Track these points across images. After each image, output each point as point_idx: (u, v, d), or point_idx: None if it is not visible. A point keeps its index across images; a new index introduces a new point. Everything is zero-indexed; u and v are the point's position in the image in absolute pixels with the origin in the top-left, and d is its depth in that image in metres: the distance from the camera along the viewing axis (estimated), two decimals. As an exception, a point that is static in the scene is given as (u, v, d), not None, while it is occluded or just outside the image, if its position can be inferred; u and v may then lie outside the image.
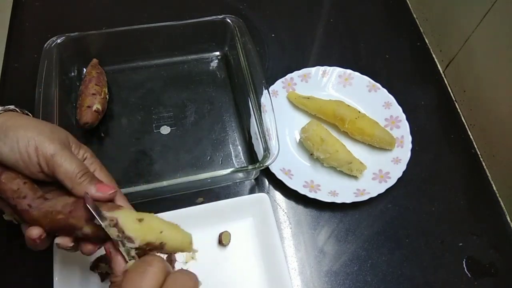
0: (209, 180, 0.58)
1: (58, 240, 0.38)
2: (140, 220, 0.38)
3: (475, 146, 0.67)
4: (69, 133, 0.42)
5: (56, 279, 0.50)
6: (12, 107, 0.42)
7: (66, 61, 0.63)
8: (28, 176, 0.39)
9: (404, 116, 0.65)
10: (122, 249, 0.36)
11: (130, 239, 0.36)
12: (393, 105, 0.66)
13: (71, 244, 0.38)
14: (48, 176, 0.39)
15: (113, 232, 0.36)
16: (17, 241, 0.55)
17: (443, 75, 0.74)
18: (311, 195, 0.58)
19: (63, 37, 0.61)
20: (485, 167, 0.65)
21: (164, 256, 0.53)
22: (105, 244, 0.38)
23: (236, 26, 0.65)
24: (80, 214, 0.37)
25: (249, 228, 0.56)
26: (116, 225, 0.36)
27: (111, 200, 0.39)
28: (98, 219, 0.36)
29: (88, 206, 0.37)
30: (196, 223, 0.55)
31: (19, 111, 0.43)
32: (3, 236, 0.55)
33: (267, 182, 0.62)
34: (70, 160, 0.39)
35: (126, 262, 0.37)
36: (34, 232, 0.38)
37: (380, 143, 0.62)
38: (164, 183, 0.51)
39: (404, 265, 0.56)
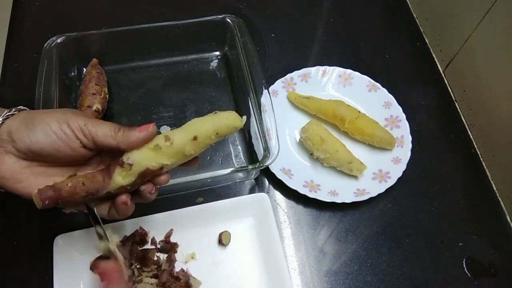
0: (209, 180, 0.58)
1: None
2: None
3: (475, 146, 0.67)
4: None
5: (56, 279, 0.50)
6: (22, 107, 0.42)
7: (66, 61, 0.63)
8: (70, 156, 0.39)
9: (404, 116, 0.65)
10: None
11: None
12: (393, 105, 0.66)
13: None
14: (89, 149, 0.40)
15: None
16: (17, 242, 0.55)
17: (443, 75, 0.74)
18: (311, 195, 0.58)
19: (63, 37, 0.61)
20: (485, 167, 0.65)
21: (164, 256, 0.54)
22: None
23: (236, 26, 0.65)
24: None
25: (249, 228, 0.56)
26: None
27: (154, 135, 0.40)
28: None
29: None
30: (196, 223, 0.55)
31: (28, 110, 0.43)
32: (4, 237, 0.55)
33: (267, 182, 0.62)
34: (101, 123, 0.39)
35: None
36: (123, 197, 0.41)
37: (380, 143, 0.62)
38: (164, 183, 0.51)
39: (404, 265, 0.56)
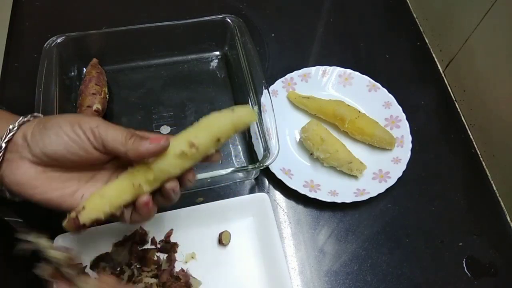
0: (209, 180, 0.58)
1: None
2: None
3: (475, 146, 0.67)
4: None
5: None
6: (36, 113, 0.42)
7: (66, 61, 0.63)
8: (84, 158, 0.38)
9: (404, 115, 0.65)
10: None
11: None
12: (393, 104, 0.66)
13: None
14: (101, 152, 0.39)
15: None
16: (17, 241, 0.55)
17: (443, 75, 0.74)
18: (311, 194, 0.58)
19: (63, 37, 0.61)
20: (485, 167, 0.65)
21: (164, 256, 0.54)
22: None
23: (236, 26, 0.65)
24: None
25: (249, 228, 0.56)
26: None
27: (165, 149, 0.38)
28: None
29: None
30: (196, 223, 0.55)
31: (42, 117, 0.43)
32: (3, 236, 0.55)
33: (267, 182, 0.62)
34: (115, 127, 0.38)
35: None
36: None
37: (380, 143, 0.62)
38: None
39: (404, 264, 0.56)
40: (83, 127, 0.38)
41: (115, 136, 0.38)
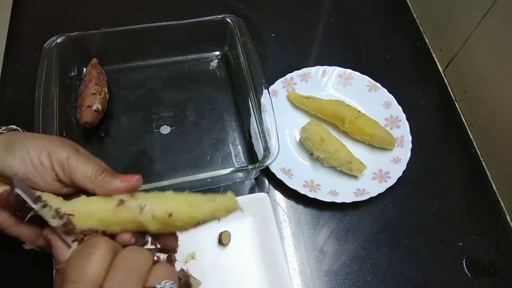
0: (209, 180, 0.58)
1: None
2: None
3: (475, 146, 0.67)
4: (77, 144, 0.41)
5: (56, 279, 0.50)
6: (14, 126, 0.41)
7: (66, 61, 0.63)
8: (41, 188, 0.36)
9: (404, 115, 0.65)
10: (60, 232, 0.34)
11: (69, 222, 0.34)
12: (393, 104, 0.66)
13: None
14: (64, 184, 0.37)
15: (47, 213, 0.34)
16: (17, 241, 0.55)
17: (443, 75, 0.74)
18: (311, 194, 0.58)
19: (63, 37, 0.61)
20: (485, 167, 0.65)
21: (164, 256, 0.53)
22: (44, 231, 0.35)
23: (236, 26, 0.65)
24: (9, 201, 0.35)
25: (249, 228, 0.56)
26: (47, 206, 0.34)
27: (135, 188, 0.37)
28: (29, 202, 0.34)
29: (17, 190, 0.34)
30: (196, 223, 0.55)
31: (21, 130, 0.42)
32: (4, 236, 0.55)
33: (267, 182, 0.62)
34: (86, 161, 0.37)
35: (69, 247, 0.34)
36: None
37: (380, 143, 0.62)
38: (164, 182, 0.51)
39: (404, 264, 0.56)
40: (53, 157, 0.36)
41: (85, 171, 0.36)
